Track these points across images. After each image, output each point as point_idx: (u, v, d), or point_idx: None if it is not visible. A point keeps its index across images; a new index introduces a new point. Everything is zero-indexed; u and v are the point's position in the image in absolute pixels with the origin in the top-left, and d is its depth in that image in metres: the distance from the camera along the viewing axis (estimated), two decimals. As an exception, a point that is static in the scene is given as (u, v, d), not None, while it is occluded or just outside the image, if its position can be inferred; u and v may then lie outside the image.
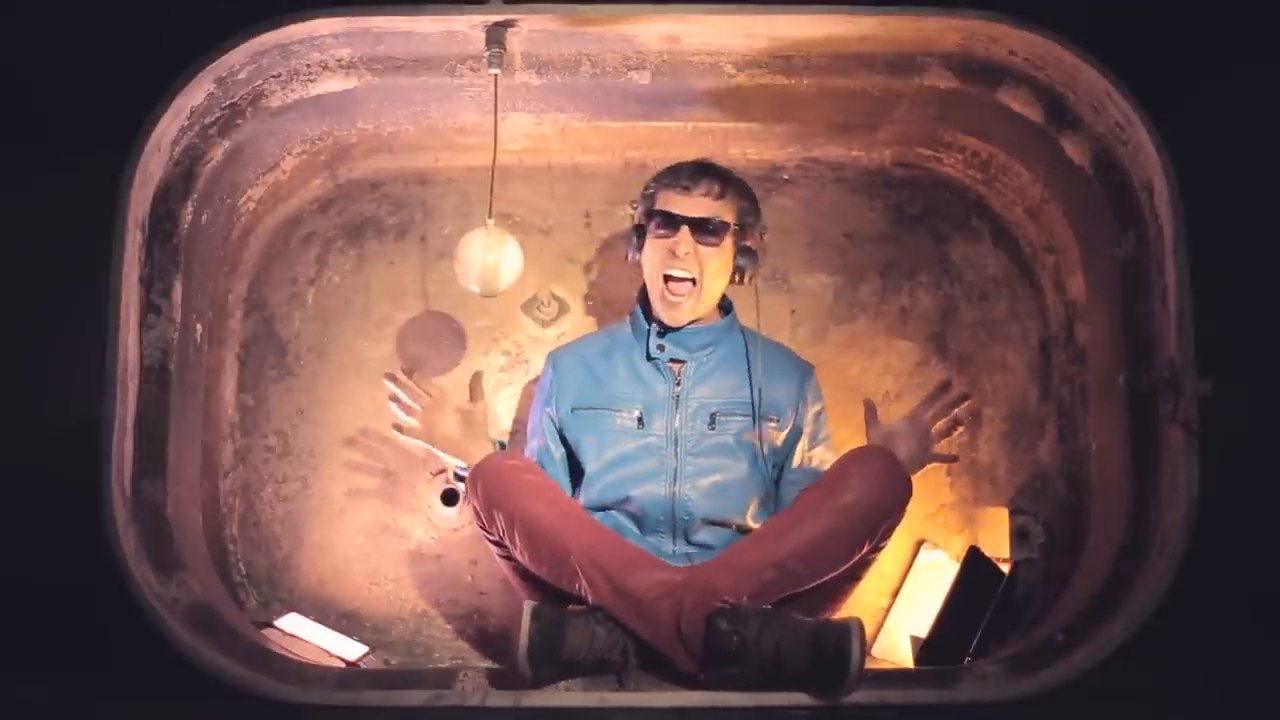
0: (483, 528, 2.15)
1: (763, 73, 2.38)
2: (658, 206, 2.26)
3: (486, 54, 2.21)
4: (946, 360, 2.67)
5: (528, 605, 1.87)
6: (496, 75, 2.25)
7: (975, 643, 2.30)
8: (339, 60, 2.33)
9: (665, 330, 2.29)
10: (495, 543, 2.14)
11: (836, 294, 2.71)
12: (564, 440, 2.32)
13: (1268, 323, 2.59)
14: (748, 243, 2.29)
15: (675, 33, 2.25)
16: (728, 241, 2.25)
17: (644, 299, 2.35)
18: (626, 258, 2.35)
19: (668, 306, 2.25)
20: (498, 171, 2.28)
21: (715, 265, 2.24)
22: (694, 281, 2.23)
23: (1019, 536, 2.49)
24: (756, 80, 2.40)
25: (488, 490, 2.09)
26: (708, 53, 2.34)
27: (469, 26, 2.19)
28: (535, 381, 2.56)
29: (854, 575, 2.11)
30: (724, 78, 2.39)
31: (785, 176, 2.73)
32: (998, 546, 2.49)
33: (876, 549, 2.08)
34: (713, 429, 2.24)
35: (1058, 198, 2.49)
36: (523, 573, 2.13)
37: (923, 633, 2.38)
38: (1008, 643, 2.26)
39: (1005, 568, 2.44)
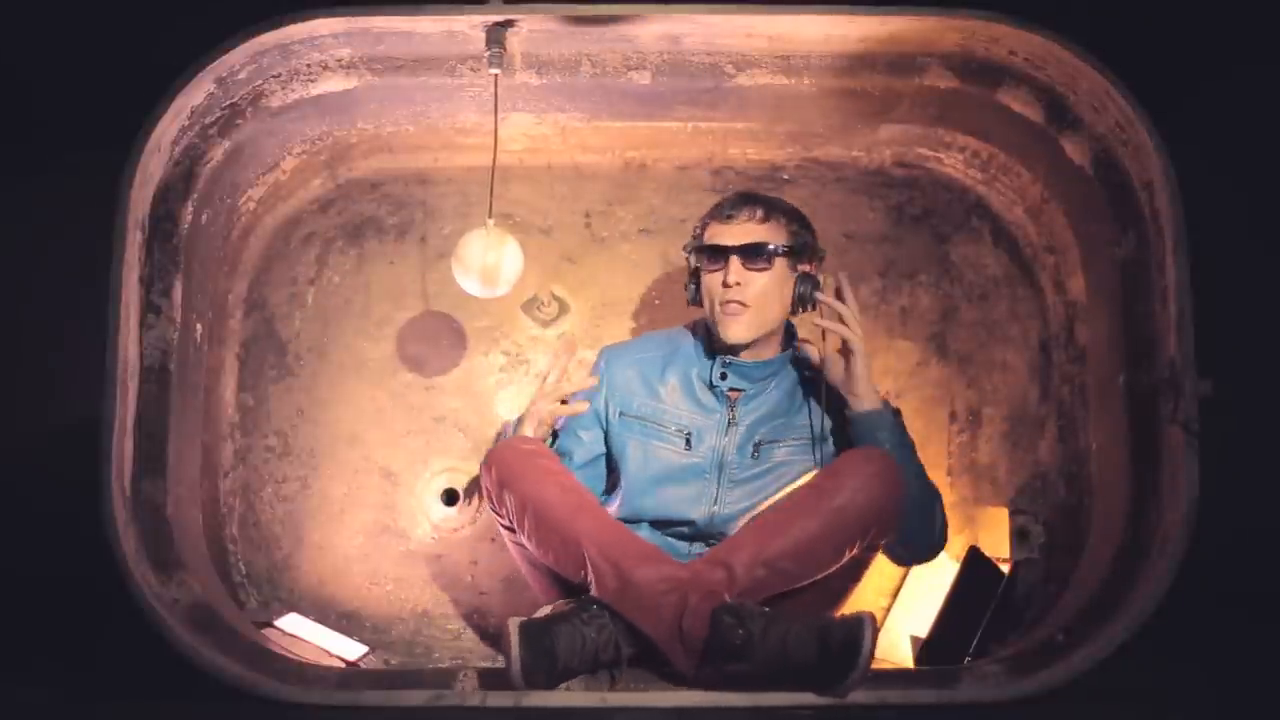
0: (494, 510, 2.15)
1: (763, 73, 2.38)
2: (705, 242, 2.23)
3: (486, 54, 2.21)
4: (946, 360, 2.67)
5: (513, 623, 1.85)
6: (496, 75, 2.25)
7: (975, 643, 2.30)
8: (339, 60, 2.33)
9: (730, 360, 2.23)
10: (506, 527, 2.15)
11: (837, 294, 2.70)
12: (605, 440, 2.29)
13: (1268, 323, 2.60)
14: (805, 268, 2.23)
15: (675, 33, 2.25)
16: (780, 265, 2.19)
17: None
18: (688, 303, 2.29)
19: (726, 323, 2.20)
20: (498, 171, 2.28)
21: (767, 289, 2.18)
22: (746, 304, 2.18)
23: (1019, 536, 2.48)
24: (756, 80, 2.39)
25: (500, 472, 2.09)
26: (708, 53, 2.34)
27: (469, 26, 2.19)
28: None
29: (853, 576, 2.11)
30: (724, 78, 2.39)
31: (785, 176, 2.73)
32: (998, 546, 2.49)
33: (869, 549, 2.07)
34: (756, 459, 2.21)
35: (1058, 198, 2.49)
36: (530, 558, 2.13)
37: (923, 633, 2.38)
38: (1008, 643, 2.26)
39: (1005, 568, 2.44)
